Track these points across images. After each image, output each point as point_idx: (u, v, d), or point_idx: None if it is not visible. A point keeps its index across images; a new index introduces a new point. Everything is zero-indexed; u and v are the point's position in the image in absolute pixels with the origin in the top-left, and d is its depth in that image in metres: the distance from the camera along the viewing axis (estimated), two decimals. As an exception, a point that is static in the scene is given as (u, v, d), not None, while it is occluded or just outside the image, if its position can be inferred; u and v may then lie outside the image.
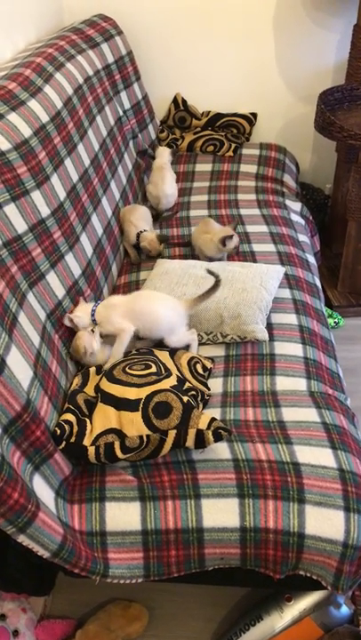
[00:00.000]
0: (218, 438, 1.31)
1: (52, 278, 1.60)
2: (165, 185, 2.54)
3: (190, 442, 1.31)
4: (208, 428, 1.31)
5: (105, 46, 2.62)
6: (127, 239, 2.26)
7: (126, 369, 1.44)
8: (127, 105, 2.74)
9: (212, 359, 1.72)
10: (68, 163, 1.91)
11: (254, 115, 3.09)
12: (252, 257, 2.20)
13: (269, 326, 1.85)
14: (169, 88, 3.07)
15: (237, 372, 1.68)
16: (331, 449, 1.40)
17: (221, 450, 1.37)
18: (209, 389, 1.60)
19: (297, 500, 1.29)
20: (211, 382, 1.65)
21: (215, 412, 1.52)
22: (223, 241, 2.11)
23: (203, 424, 1.31)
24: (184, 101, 3.07)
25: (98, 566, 1.23)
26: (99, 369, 1.54)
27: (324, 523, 1.28)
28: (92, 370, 1.52)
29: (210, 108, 3.11)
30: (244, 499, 1.29)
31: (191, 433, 1.30)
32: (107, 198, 2.19)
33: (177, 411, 1.32)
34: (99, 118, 2.32)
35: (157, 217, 2.49)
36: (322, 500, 1.30)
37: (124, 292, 2.08)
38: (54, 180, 1.77)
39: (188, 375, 1.59)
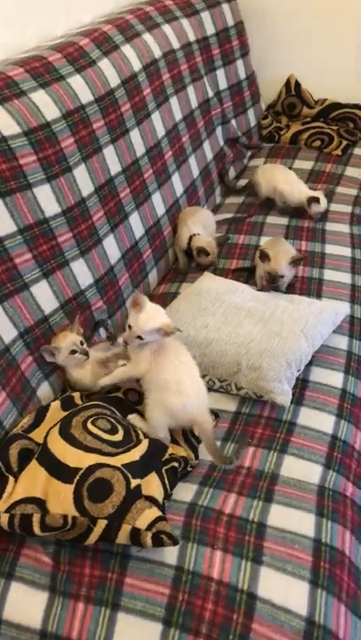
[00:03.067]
0: (158, 543, 1.03)
1: (38, 289, 1.38)
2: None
3: (122, 539, 1.04)
4: (149, 528, 1.03)
5: (206, 15, 2.30)
6: (178, 243, 1.97)
7: (88, 423, 1.19)
8: (223, 85, 2.41)
9: (216, 414, 1.41)
10: (109, 151, 1.65)
11: (379, 108, 2.59)
12: (317, 286, 1.82)
13: (303, 384, 1.49)
14: (283, 68, 2.67)
15: (241, 439, 1.36)
16: (311, 584, 1.06)
17: (168, 551, 1.08)
18: (197, 457, 1.30)
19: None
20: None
21: (189, 490, 1.22)
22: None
23: (143, 522, 1.03)
24: (297, 85, 2.66)
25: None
26: (66, 403, 1.30)
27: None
28: (55, 406, 1.29)
29: (326, 96, 2.67)
30: (170, 627, 1.00)
31: (125, 529, 1.03)
32: (160, 194, 1.91)
33: (116, 496, 1.05)
34: (173, 100, 2.02)
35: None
36: None
37: (158, 303, 1.80)
38: (78, 171, 1.53)
39: (177, 436, 1.31)
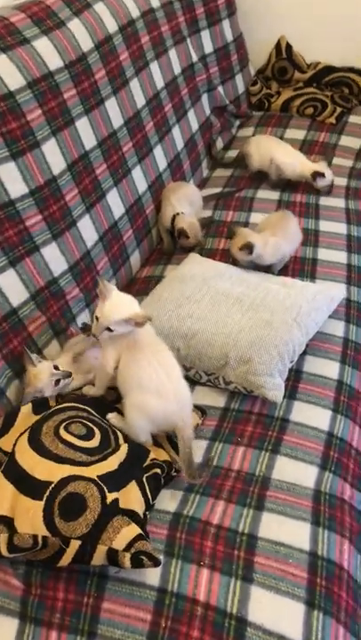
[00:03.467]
0: (137, 565, 0.93)
1: (4, 280, 1.25)
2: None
3: (98, 560, 0.94)
4: (127, 548, 0.93)
5: (188, -29, 2.11)
6: (161, 222, 1.83)
7: (60, 428, 1.08)
8: (208, 48, 2.24)
9: (203, 411, 1.30)
10: (82, 123, 1.51)
11: (376, 71, 2.43)
12: (311, 267, 1.70)
13: (296, 375, 1.38)
14: (273, 29, 2.49)
15: (230, 438, 1.25)
16: (306, 604, 0.96)
17: (150, 570, 0.98)
18: (182, 459, 1.20)
19: None
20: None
21: (174, 498, 1.12)
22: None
23: (120, 542, 0.93)
24: (289, 47, 2.49)
25: None
26: (39, 406, 1.19)
27: None
28: (25, 410, 1.17)
29: (319, 59, 2.50)
30: (152, 659, 0.91)
31: (100, 550, 0.93)
32: (141, 169, 1.77)
33: (90, 514, 0.95)
34: (154, 65, 1.86)
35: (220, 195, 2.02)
36: None
37: (141, 288, 1.69)
38: (47, 147, 1.38)
39: (160, 437, 1.20)
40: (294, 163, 1.98)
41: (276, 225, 1.67)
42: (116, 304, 1.17)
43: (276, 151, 2.01)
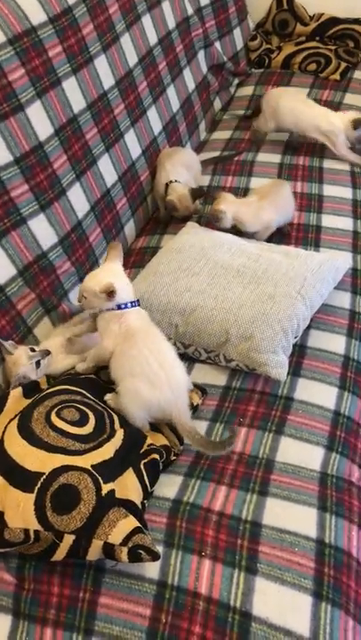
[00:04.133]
0: (135, 559, 0.88)
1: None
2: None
3: (94, 555, 0.89)
4: (124, 542, 0.88)
5: None
6: (156, 189, 1.74)
7: (52, 414, 1.02)
8: (204, 0, 2.09)
9: (203, 390, 1.24)
10: (70, 84, 1.40)
11: (383, 23, 2.29)
12: (315, 234, 1.62)
13: (301, 351, 1.32)
14: (273, -22, 2.34)
15: (231, 419, 1.19)
16: (313, 596, 0.92)
17: (148, 563, 0.93)
18: (182, 442, 1.14)
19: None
20: (191, 426, 1.19)
21: (173, 483, 1.07)
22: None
23: (117, 536, 0.88)
24: (290, -2, 2.34)
25: None
26: (30, 389, 1.12)
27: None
28: (16, 393, 1.11)
29: (322, 10, 2.35)
30: (153, 655, 0.87)
31: (96, 545, 0.88)
32: (135, 133, 1.67)
33: (85, 506, 0.89)
34: (146, 19, 1.74)
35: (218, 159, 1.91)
36: None
37: (136, 260, 1.61)
38: (32, 110, 1.29)
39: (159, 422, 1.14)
40: (332, 120, 1.84)
41: (267, 192, 1.58)
42: (96, 274, 1.14)
43: (306, 111, 1.87)
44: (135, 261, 1.61)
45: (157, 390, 1.06)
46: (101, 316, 1.15)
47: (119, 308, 1.14)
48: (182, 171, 1.71)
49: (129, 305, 1.14)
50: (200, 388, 1.24)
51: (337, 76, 2.21)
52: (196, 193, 1.66)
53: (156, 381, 1.06)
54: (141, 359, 1.07)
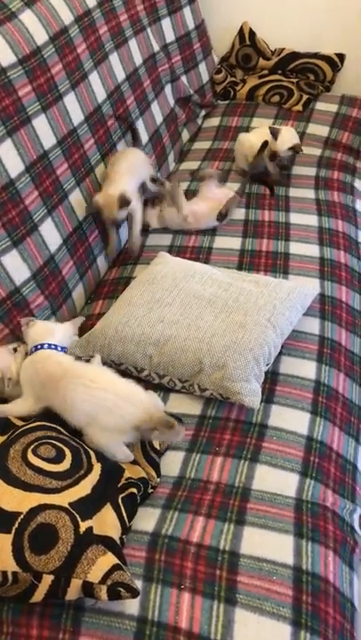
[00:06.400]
0: (115, 597, 0.88)
1: None
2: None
3: (73, 594, 0.89)
4: (103, 580, 0.88)
5: None
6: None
7: (29, 452, 1.02)
8: (170, 36, 2.16)
9: (179, 419, 1.25)
10: (40, 121, 1.43)
11: (341, 57, 2.38)
12: (283, 261, 1.66)
13: (273, 377, 1.34)
14: (235, 15, 2.42)
15: (207, 448, 1.21)
16: (292, 625, 0.93)
17: (128, 600, 0.93)
18: (159, 474, 1.15)
19: None
20: (167, 457, 1.20)
21: (151, 516, 1.07)
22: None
23: (96, 574, 0.88)
24: (252, 34, 2.42)
25: None
26: (3, 426, 1.12)
27: None
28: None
29: (284, 45, 2.44)
30: None
31: (75, 584, 0.88)
32: (105, 166, 1.70)
33: (63, 545, 0.89)
34: (114, 57, 1.78)
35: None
36: None
37: (109, 291, 1.63)
38: (3, 148, 1.31)
39: (136, 452, 1.15)
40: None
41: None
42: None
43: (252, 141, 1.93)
44: (108, 292, 1.62)
45: (114, 413, 1.07)
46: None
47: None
48: (128, 179, 1.63)
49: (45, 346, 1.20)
50: (176, 418, 1.25)
51: (300, 107, 2.28)
52: (124, 200, 1.56)
53: (109, 405, 1.07)
54: (85, 395, 1.09)
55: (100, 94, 1.70)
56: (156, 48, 2.05)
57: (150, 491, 1.11)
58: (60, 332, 1.25)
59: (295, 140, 1.95)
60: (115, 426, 1.08)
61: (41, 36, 1.45)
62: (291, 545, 1.03)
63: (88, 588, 0.88)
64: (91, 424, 1.09)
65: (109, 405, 1.08)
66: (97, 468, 1.05)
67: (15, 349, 1.24)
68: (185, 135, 2.25)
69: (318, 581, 0.98)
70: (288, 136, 1.94)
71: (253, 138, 1.96)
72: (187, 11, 2.22)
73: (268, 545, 1.02)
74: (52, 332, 1.23)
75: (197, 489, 1.13)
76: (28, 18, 1.43)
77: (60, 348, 1.21)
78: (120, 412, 1.08)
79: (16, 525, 0.91)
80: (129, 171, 1.65)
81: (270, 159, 1.92)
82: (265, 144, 1.89)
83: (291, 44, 2.42)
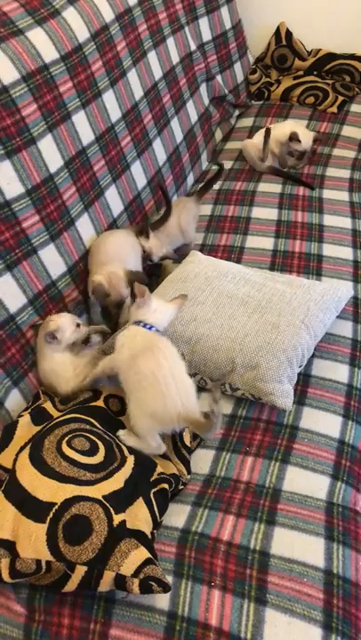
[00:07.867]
0: (146, 591, 0.88)
1: (3, 284, 1.19)
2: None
3: (105, 587, 0.90)
4: (135, 574, 0.88)
5: None
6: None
7: (63, 443, 1.03)
8: (207, 36, 2.16)
9: (207, 415, 1.25)
10: (79, 117, 1.44)
11: (378, 59, 2.36)
12: (317, 263, 1.65)
13: (305, 380, 1.34)
14: (272, 15, 2.41)
15: (238, 447, 1.21)
16: (323, 628, 0.92)
17: (159, 594, 0.93)
18: (189, 471, 1.15)
19: None
20: (198, 455, 1.21)
21: (181, 512, 1.08)
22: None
23: (129, 567, 0.89)
24: (288, 34, 2.41)
25: None
26: (38, 416, 1.14)
27: None
28: (24, 421, 1.12)
29: (320, 46, 2.42)
30: None
31: (108, 576, 0.89)
32: (140, 164, 1.71)
33: (97, 537, 0.90)
34: (152, 55, 1.79)
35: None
36: None
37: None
38: (43, 143, 1.32)
39: (167, 448, 1.15)
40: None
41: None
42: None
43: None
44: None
45: (163, 395, 1.08)
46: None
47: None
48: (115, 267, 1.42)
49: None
50: (206, 415, 1.25)
51: (334, 109, 2.27)
52: (134, 276, 1.39)
53: (161, 387, 1.08)
54: (150, 366, 1.10)
55: (138, 92, 1.71)
56: (193, 47, 2.05)
57: (181, 487, 1.12)
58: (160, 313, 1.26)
59: (295, 129, 1.99)
60: (153, 411, 1.08)
61: (83, 34, 1.47)
62: (321, 548, 1.02)
63: (120, 581, 0.89)
64: (136, 391, 1.11)
65: (162, 389, 1.08)
66: (130, 460, 1.06)
67: (78, 325, 1.30)
68: (218, 135, 2.25)
69: (350, 586, 0.98)
70: (288, 128, 2.00)
71: (277, 132, 2.00)
72: (224, 10, 2.22)
73: (298, 546, 1.02)
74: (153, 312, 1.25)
75: (227, 487, 1.13)
76: (70, 15, 1.44)
77: (154, 329, 1.23)
78: (166, 402, 1.08)
79: (50, 516, 0.92)
80: (117, 258, 1.44)
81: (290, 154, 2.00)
82: (268, 131, 1.95)
83: (327, 45, 2.41)
